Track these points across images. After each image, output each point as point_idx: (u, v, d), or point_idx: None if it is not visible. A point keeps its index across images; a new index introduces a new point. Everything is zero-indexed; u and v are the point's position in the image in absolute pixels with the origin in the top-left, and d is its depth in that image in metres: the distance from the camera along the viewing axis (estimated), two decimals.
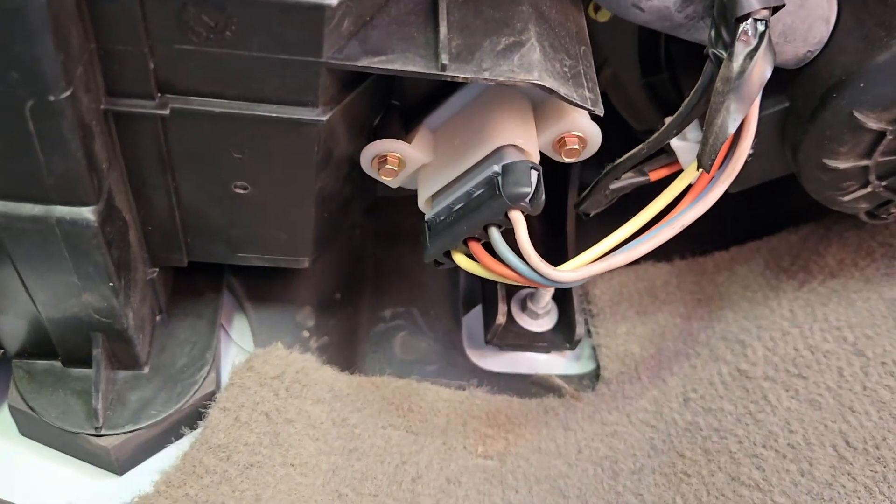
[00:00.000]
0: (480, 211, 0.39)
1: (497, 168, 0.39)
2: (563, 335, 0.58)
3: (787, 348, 0.50)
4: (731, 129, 0.36)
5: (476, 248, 0.41)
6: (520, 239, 0.38)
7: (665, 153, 0.45)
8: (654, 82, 0.53)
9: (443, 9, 0.37)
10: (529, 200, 0.38)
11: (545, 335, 0.58)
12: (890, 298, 0.50)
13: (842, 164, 0.43)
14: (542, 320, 0.58)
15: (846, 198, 0.46)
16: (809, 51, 0.42)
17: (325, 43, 0.34)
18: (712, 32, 0.37)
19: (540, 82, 0.36)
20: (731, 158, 0.39)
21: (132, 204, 0.40)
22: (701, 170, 0.38)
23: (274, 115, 0.36)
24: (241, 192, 0.41)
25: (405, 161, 0.43)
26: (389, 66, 0.35)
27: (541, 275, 0.39)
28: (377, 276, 0.58)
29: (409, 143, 0.43)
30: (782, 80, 0.44)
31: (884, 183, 0.45)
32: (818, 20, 0.41)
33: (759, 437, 0.46)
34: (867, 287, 0.52)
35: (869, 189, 0.45)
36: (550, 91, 0.36)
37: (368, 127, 0.43)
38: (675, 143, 0.44)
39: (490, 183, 0.39)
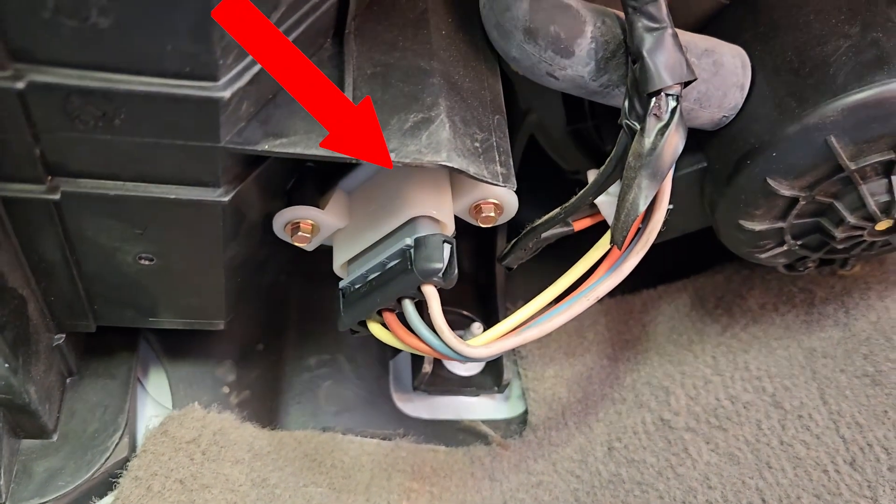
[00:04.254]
0: (394, 284, 0.38)
1: (409, 241, 0.38)
2: (492, 378, 0.57)
3: (708, 398, 0.51)
4: (643, 207, 0.36)
5: (391, 319, 0.40)
6: (433, 314, 0.38)
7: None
8: (579, 129, 0.53)
9: (349, 84, 0.35)
10: (442, 275, 0.38)
11: (473, 379, 0.58)
12: (808, 348, 0.51)
13: (757, 226, 0.44)
14: (470, 364, 0.57)
15: (764, 255, 0.46)
16: (725, 115, 0.42)
17: (223, 129, 0.32)
18: (626, 104, 0.37)
19: (448, 164, 0.35)
20: (645, 231, 0.39)
21: (30, 278, 0.39)
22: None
23: (173, 196, 0.35)
24: (147, 263, 0.39)
25: (318, 227, 0.42)
26: (291, 150, 0.34)
27: (454, 350, 0.38)
28: (302, 321, 0.57)
29: (324, 206, 0.42)
30: (700, 140, 0.44)
31: (799, 242, 0.45)
32: (732, 87, 0.41)
33: (679, 492, 0.47)
34: (787, 335, 0.52)
35: (785, 248, 0.45)
36: (459, 171, 0.35)
37: (282, 191, 0.42)
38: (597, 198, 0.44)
39: (403, 255, 0.39)
